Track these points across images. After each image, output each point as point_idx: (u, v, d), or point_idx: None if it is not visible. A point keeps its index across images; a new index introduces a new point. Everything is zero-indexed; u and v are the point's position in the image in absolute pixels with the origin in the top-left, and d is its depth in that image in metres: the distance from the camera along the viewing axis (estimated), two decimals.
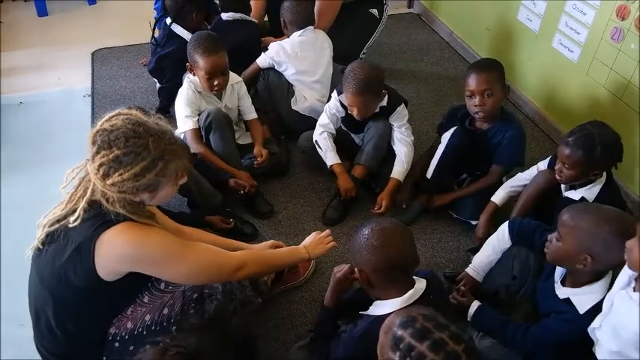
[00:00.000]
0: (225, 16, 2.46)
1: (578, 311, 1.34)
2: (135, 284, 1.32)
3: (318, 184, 2.21)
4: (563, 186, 1.69)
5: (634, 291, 1.16)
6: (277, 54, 2.30)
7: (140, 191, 1.20)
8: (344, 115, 2.10)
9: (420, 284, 1.31)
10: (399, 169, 2.05)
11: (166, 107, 2.44)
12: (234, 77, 2.14)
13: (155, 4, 2.87)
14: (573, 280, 1.38)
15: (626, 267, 1.19)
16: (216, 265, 1.34)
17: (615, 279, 1.33)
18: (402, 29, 3.30)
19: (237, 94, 2.18)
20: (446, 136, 1.96)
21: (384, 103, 2.02)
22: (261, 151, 2.12)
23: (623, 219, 1.30)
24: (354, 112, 1.97)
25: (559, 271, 1.44)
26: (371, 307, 1.34)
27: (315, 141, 2.11)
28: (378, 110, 2.03)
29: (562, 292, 1.39)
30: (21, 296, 1.39)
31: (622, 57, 1.99)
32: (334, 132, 2.13)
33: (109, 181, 1.16)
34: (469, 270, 1.65)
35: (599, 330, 1.22)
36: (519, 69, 2.59)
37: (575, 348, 1.36)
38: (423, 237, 1.99)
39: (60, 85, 2.80)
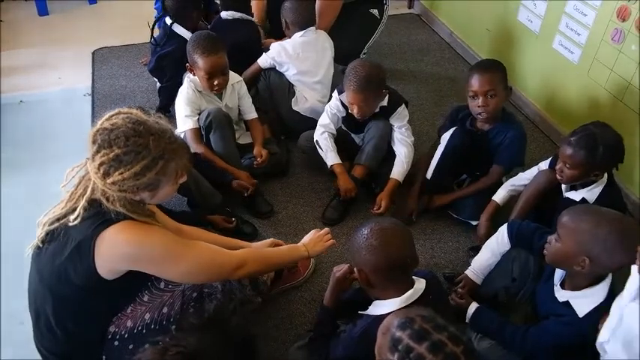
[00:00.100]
0: (224, 15, 2.46)
1: (577, 314, 1.34)
2: (134, 283, 1.32)
3: (318, 184, 2.21)
4: (563, 186, 1.69)
5: None
6: (279, 54, 2.30)
7: (140, 190, 1.20)
8: (344, 115, 2.10)
9: (420, 284, 1.31)
10: (398, 170, 2.05)
11: (166, 107, 2.44)
12: (234, 77, 2.14)
13: (155, 3, 2.87)
14: (572, 283, 1.38)
15: (634, 275, 1.16)
16: (216, 263, 1.34)
17: (614, 282, 1.33)
18: (402, 29, 3.30)
19: (237, 93, 2.18)
20: (445, 137, 1.97)
21: (385, 103, 2.02)
22: (261, 151, 2.12)
23: (622, 222, 1.30)
24: (355, 111, 1.97)
25: (558, 274, 1.44)
26: (370, 307, 1.34)
27: (316, 141, 2.11)
28: (378, 110, 2.03)
29: (561, 294, 1.39)
30: (21, 295, 1.39)
31: (622, 58, 2.00)
32: (335, 132, 2.13)
33: (109, 180, 1.16)
34: (468, 272, 1.65)
35: (608, 344, 1.20)
36: (519, 70, 2.59)
37: (574, 351, 1.35)
38: (423, 237, 1.99)
39: (60, 85, 2.80)
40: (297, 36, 2.30)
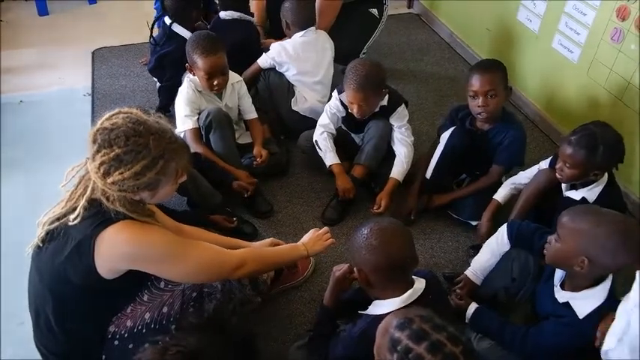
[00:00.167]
0: (223, 15, 2.47)
1: (577, 315, 1.34)
2: (134, 283, 1.32)
3: (318, 184, 2.21)
4: (563, 185, 1.69)
5: None
6: (279, 55, 2.30)
7: (140, 190, 1.20)
8: (344, 114, 2.10)
9: (419, 284, 1.31)
10: (398, 170, 2.05)
11: (166, 106, 2.44)
12: (234, 76, 2.14)
13: (155, 3, 2.87)
14: (572, 283, 1.38)
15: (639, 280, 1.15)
16: (216, 263, 1.34)
17: (614, 283, 1.33)
18: (402, 29, 3.30)
19: (237, 93, 2.18)
20: (444, 136, 1.97)
21: (385, 102, 2.02)
22: (261, 151, 2.12)
23: (622, 223, 1.29)
24: (355, 110, 1.97)
25: (558, 274, 1.43)
26: (370, 307, 1.34)
27: (315, 141, 2.11)
28: (378, 110, 2.03)
29: (561, 295, 1.39)
30: (21, 294, 1.39)
31: (622, 58, 2.00)
32: (334, 132, 2.13)
33: (109, 180, 1.16)
34: (468, 273, 1.65)
35: (614, 351, 1.19)
36: (519, 69, 2.59)
37: (574, 352, 1.35)
38: (423, 237, 1.99)
39: (60, 84, 2.80)
40: (298, 36, 2.30)
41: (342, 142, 2.16)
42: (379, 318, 1.10)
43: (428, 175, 2.00)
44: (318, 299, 1.71)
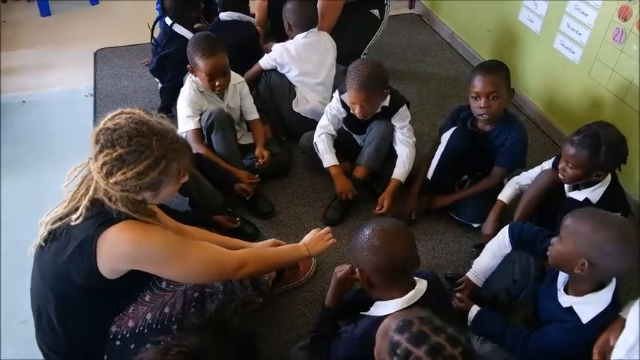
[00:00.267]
0: (223, 16, 2.48)
1: (581, 320, 1.33)
2: (136, 283, 1.32)
3: (319, 185, 2.21)
4: (566, 186, 1.69)
5: None
6: (280, 56, 2.30)
7: (143, 190, 1.20)
8: (345, 115, 2.10)
9: (421, 285, 1.31)
10: (400, 170, 2.05)
11: (168, 107, 2.44)
12: (236, 77, 2.15)
13: (157, 4, 2.88)
14: (576, 288, 1.37)
15: None
16: (218, 263, 1.34)
17: (618, 288, 1.32)
18: (403, 30, 3.30)
19: (239, 94, 2.18)
20: (445, 136, 1.96)
21: (387, 103, 2.02)
22: (263, 152, 2.12)
23: (623, 226, 1.28)
24: (357, 111, 1.97)
25: (562, 278, 1.43)
26: (372, 308, 1.33)
27: (314, 143, 2.11)
28: (380, 111, 2.03)
29: (565, 300, 1.38)
30: (22, 294, 1.39)
31: (624, 58, 1.99)
32: (334, 133, 2.13)
33: (112, 180, 1.16)
34: (469, 274, 1.65)
35: None
36: (520, 70, 2.59)
37: (576, 357, 1.34)
38: (424, 238, 1.99)
39: (62, 85, 2.81)
40: (300, 37, 2.30)
41: (343, 143, 2.16)
42: (381, 319, 1.10)
43: (429, 175, 2.00)
44: (319, 300, 1.71)
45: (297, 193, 2.18)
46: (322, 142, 2.09)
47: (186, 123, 2.03)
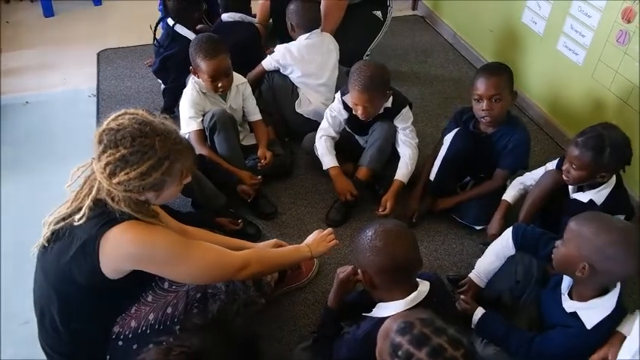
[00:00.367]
0: (225, 17, 2.48)
1: (585, 326, 1.32)
2: (139, 283, 1.32)
3: (322, 186, 2.21)
4: (570, 187, 1.68)
5: None
6: (283, 57, 2.30)
7: (146, 190, 1.21)
8: (347, 116, 2.10)
9: (424, 287, 1.31)
10: (403, 172, 2.05)
11: (171, 108, 2.45)
12: (238, 78, 2.15)
13: (159, 5, 2.88)
14: (580, 293, 1.36)
15: None
16: (220, 264, 1.34)
17: (623, 294, 1.32)
18: (406, 31, 3.30)
19: (241, 95, 2.18)
20: (448, 138, 1.96)
21: (389, 104, 2.02)
22: (265, 153, 2.12)
23: (626, 231, 1.28)
24: (359, 112, 1.97)
25: (566, 283, 1.42)
26: (374, 309, 1.33)
27: (315, 145, 2.11)
28: (382, 112, 2.03)
29: (569, 305, 1.38)
30: (25, 295, 1.40)
31: (627, 60, 1.99)
32: (335, 135, 2.13)
33: (115, 180, 1.16)
34: (472, 276, 1.65)
35: None
36: (523, 72, 2.58)
37: None
38: (427, 239, 1.99)
39: (65, 85, 2.81)
40: (302, 38, 2.30)
41: (346, 144, 2.16)
42: (383, 320, 1.10)
43: (432, 177, 2.00)
44: (322, 301, 1.71)
45: (300, 194, 2.18)
46: (321, 144, 2.09)
47: (188, 124, 2.03)
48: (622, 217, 1.58)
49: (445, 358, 0.93)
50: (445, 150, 1.95)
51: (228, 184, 2.00)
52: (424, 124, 2.53)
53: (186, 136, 2.01)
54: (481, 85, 1.85)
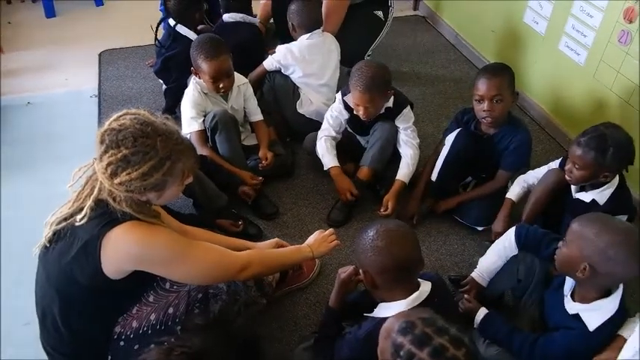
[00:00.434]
0: (226, 17, 2.49)
1: (587, 328, 1.32)
2: (140, 283, 1.32)
3: (323, 186, 2.21)
4: (573, 187, 1.68)
5: None
6: (284, 57, 2.30)
7: (147, 190, 1.21)
8: (347, 117, 2.10)
9: (425, 287, 1.30)
10: (404, 172, 2.04)
11: (172, 108, 2.45)
12: (240, 79, 2.15)
13: (160, 5, 2.89)
14: (582, 294, 1.36)
15: None
16: (221, 264, 1.34)
17: (625, 296, 1.31)
18: (407, 31, 3.30)
19: (243, 95, 2.18)
20: (449, 138, 1.96)
21: (390, 104, 2.02)
22: (267, 153, 2.12)
23: (628, 232, 1.27)
24: (360, 112, 1.97)
25: (568, 284, 1.42)
26: (376, 310, 1.33)
27: (316, 146, 2.11)
28: (383, 112, 2.03)
29: (571, 307, 1.37)
30: (27, 295, 1.40)
31: (629, 60, 1.99)
32: (336, 136, 2.13)
33: (116, 180, 1.17)
34: (474, 275, 1.64)
35: None
36: (525, 72, 2.58)
37: None
38: (428, 240, 1.98)
39: (67, 86, 2.82)
40: (304, 38, 2.30)
41: (347, 144, 2.16)
42: (385, 320, 1.10)
43: (433, 177, 1.99)
44: (323, 301, 1.71)
45: (301, 195, 2.18)
46: (322, 144, 2.09)
47: (190, 124, 2.03)
48: (624, 217, 1.58)
49: (447, 357, 0.93)
50: (446, 151, 1.95)
51: (229, 185, 2.00)
52: (425, 124, 2.53)
53: (188, 137, 2.01)
54: (482, 86, 1.85)
